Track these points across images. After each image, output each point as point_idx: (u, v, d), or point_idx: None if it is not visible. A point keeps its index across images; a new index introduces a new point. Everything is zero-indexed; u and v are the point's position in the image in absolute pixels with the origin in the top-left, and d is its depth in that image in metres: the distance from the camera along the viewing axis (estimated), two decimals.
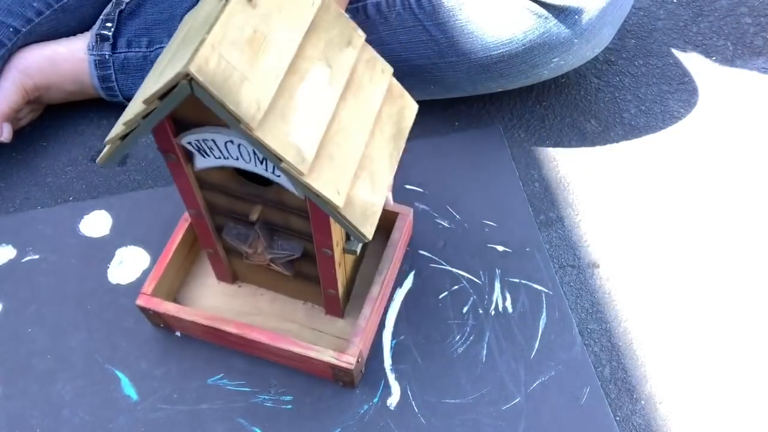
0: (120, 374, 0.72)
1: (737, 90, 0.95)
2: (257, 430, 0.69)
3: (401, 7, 0.81)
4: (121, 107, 0.90)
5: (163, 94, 0.45)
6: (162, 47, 0.86)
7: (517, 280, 0.77)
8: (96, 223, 0.82)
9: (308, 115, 0.50)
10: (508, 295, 0.76)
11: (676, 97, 0.95)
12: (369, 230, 0.54)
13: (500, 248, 0.79)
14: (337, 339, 0.72)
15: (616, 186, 0.87)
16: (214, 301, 0.75)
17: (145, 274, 0.78)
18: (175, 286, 0.75)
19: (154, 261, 0.79)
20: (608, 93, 0.95)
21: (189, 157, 0.56)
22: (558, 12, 0.77)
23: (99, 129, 0.91)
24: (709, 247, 0.82)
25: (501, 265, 0.78)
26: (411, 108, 0.61)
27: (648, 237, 0.83)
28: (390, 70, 0.59)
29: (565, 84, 0.95)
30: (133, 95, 0.87)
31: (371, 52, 0.58)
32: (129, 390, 0.71)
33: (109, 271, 0.78)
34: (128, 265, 0.79)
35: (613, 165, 0.88)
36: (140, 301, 0.70)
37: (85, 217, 0.82)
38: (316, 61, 0.52)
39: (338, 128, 0.53)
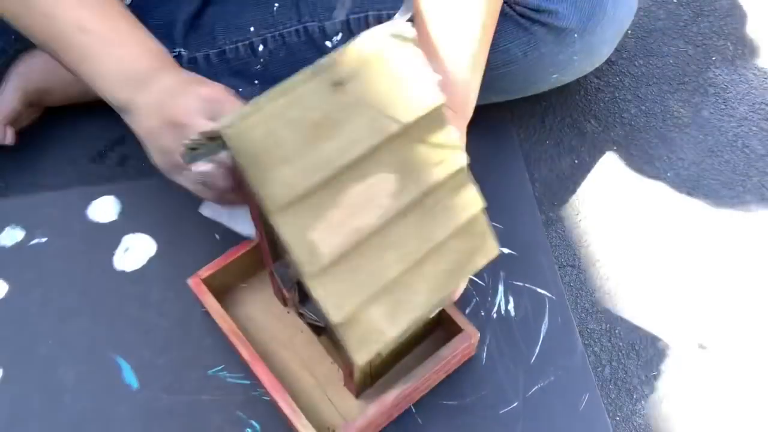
0: (122, 362, 0.73)
1: (737, 90, 0.95)
2: (255, 423, 0.69)
3: None
4: None
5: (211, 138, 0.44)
6: None
7: (521, 284, 0.77)
8: (104, 209, 0.82)
9: (346, 219, 0.46)
10: (511, 299, 0.76)
11: (676, 97, 0.94)
12: (362, 357, 0.50)
13: (506, 251, 0.79)
14: (338, 415, 0.68)
15: (616, 186, 0.87)
16: (258, 315, 0.74)
17: (151, 261, 0.79)
18: (235, 281, 0.75)
19: (160, 249, 0.79)
20: (608, 93, 0.95)
21: None
22: (558, 32, 0.76)
23: (99, 129, 0.91)
24: (710, 247, 0.82)
25: (506, 268, 0.78)
26: (485, 253, 0.55)
27: (648, 236, 0.83)
28: (479, 206, 0.54)
29: (565, 84, 0.94)
30: None
31: (465, 183, 0.53)
32: (130, 378, 0.72)
33: (114, 257, 0.79)
34: (134, 252, 0.79)
35: (613, 165, 0.88)
36: (190, 281, 0.71)
37: (94, 202, 0.83)
38: (389, 167, 0.47)
39: (378, 243, 0.48)
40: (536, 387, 0.71)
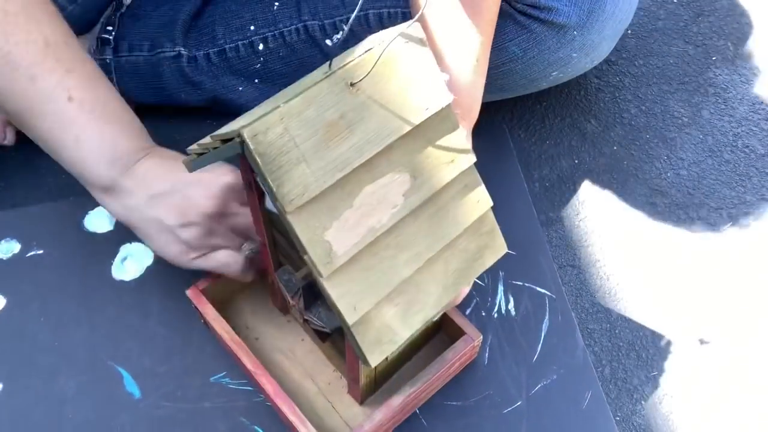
0: (123, 371, 0.72)
1: (737, 90, 0.96)
2: (258, 429, 0.69)
3: (403, 20, 0.80)
4: None
5: (224, 140, 0.44)
6: (164, 51, 0.85)
7: (521, 283, 0.77)
8: (100, 219, 0.82)
9: (361, 219, 0.47)
10: (511, 298, 0.77)
11: (676, 97, 0.95)
12: (376, 358, 0.50)
13: None
14: (343, 423, 0.68)
15: (616, 186, 0.87)
16: (258, 325, 0.74)
17: (149, 270, 0.78)
18: (234, 291, 0.75)
19: (158, 258, 0.79)
20: (608, 93, 0.96)
21: (262, 192, 0.55)
22: (557, 28, 0.77)
23: None
24: (711, 246, 0.83)
25: (505, 268, 0.78)
26: (494, 251, 0.56)
27: (649, 236, 0.83)
28: (488, 204, 0.55)
29: (565, 84, 0.95)
30: (134, 98, 0.87)
31: (474, 181, 0.53)
32: (132, 387, 0.71)
33: (113, 267, 0.78)
34: (132, 261, 0.79)
35: (613, 165, 0.89)
36: (189, 292, 0.70)
37: (90, 212, 0.82)
38: (401, 167, 0.48)
39: (391, 243, 0.49)
40: (539, 386, 0.71)
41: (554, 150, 0.90)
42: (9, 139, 0.84)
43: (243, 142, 0.42)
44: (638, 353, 0.75)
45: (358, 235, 0.47)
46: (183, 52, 0.85)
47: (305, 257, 0.45)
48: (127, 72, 0.86)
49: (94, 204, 0.82)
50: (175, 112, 0.91)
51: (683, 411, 0.72)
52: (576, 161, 0.89)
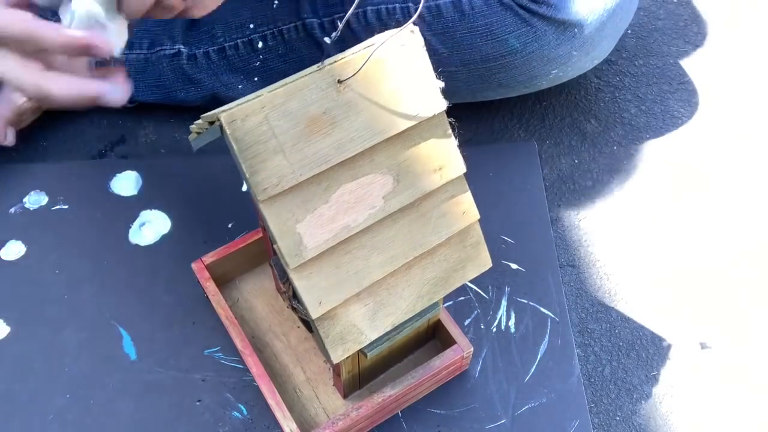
0: (124, 332, 0.74)
1: (737, 90, 0.94)
2: (242, 407, 0.70)
3: (401, 16, 0.79)
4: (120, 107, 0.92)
5: (211, 122, 0.45)
6: (163, 49, 0.86)
7: (525, 301, 0.76)
8: (126, 183, 0.84)
9: (336, 216, 0.47)
10: (513, 315, 0.75)
11: (676, 97, 0.94)
12: (338, 355, 0.50)
13: (513, 266, 0.78)
14: (323, 414, 0.68)
15: (617, 186, 0.86)
16: (258, 305, 0.75)
17: (164, 238, 0.80)
18: (240, 270, 0.76)
19: (174, 227, 0.81)
20: (608, 93, 0.94)
21: None
22: (557, 25, 0.76)
23: (99, 129, 0.91)
24: (710, 247, 0.81)
25: (511, 284, 0.77)
26: (477, 264, 0.56)
27: (648, 236, 0.82)
28: (475, 217, 0.54)
29: (565, 84, 0.94)
30: (134, 96, 0.88)
31: (462, 192, 0.53)
32: (129, 349, 0.73)
33: (130, 230, 0.81)
34: (149, 227, 0.81)
35: (613, 165, 0.88)
36: (194, 266, 0.72)
37: (117, 175, 0.85)
38: (384, 169, 0.48)
39: (365, 243, 0.49)
40: (527, 407, 0.70)
41: (554, 150, 0.89)
42: (9, 139, 0.83)
43: (221, 126, 0.42)
44: (638, 353, 0.74)
45: (331, 231, 0.47)
46: (182, 49, 0.85)
47: (275, 246, 0.46)
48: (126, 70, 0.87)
49: (123, 167, 0.86)
50: (175, 112, 0.92)
51: (683, 411, 0.71)
52: (576, 161, 0.88)
